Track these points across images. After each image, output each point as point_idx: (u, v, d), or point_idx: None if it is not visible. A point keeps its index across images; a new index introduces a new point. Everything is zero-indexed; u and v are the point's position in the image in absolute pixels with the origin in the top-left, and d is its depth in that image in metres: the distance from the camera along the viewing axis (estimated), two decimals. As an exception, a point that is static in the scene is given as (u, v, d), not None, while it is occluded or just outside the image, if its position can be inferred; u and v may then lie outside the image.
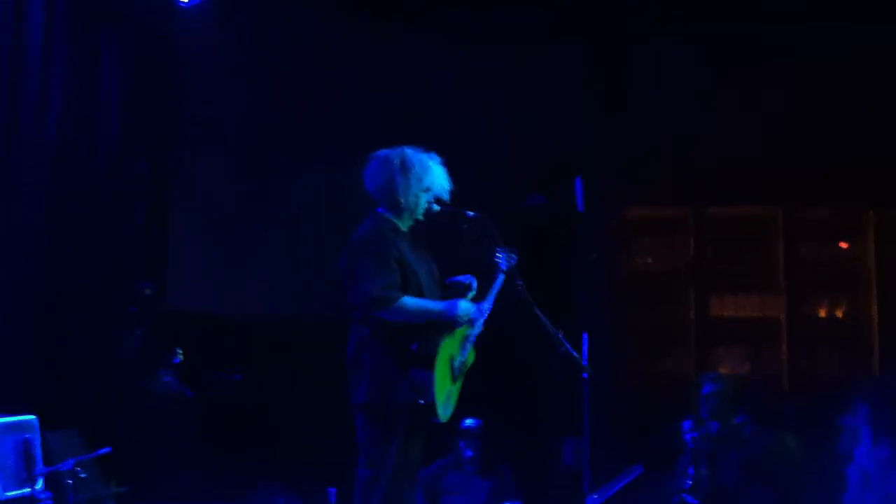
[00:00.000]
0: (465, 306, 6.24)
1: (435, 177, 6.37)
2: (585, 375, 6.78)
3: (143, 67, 9.43)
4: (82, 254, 8.74)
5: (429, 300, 6.23)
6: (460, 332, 6.30)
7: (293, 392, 9.96)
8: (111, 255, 9.07)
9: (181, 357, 9.11)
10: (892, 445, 7.16)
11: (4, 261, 8.00)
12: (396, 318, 6.07)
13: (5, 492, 6.69)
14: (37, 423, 6.99)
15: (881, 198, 10.89)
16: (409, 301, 6.10)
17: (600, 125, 10.82)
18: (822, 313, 11.35)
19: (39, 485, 6.85)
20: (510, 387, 10.09)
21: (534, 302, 6.41)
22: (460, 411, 6.50)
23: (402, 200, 6.32)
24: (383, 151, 6.41)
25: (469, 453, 9.07)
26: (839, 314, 11.31)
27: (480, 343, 6.41)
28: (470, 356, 6.39)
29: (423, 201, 6.35)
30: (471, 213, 6.41)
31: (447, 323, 6.20)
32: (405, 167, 6.31)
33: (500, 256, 6.42)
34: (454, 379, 6.26)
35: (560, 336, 6.52)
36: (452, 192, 6.45)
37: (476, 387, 6.52)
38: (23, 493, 6.77)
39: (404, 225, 6.38)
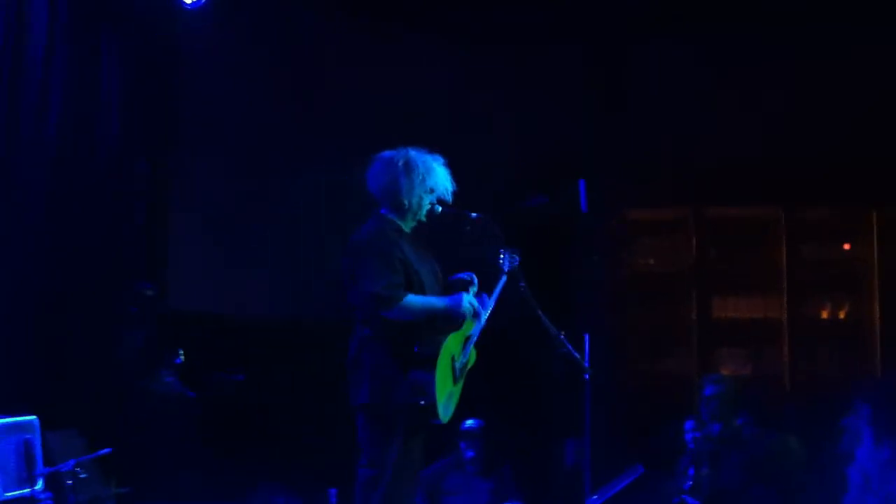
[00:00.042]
0: (469, 300, 6.26)
1: (438, 178, 6.38)
2: (587, 376, 6.79)
3: (143, 67, 9.41)
4: (82, 254, 8.73)
5: (433, 297, 6.23)
6: (462, 332, 6.31)
7: (293, 392, 9.95)
8: (111, 255, 9.06)
9: (182, 357, 9.11)
10: (893, 446, 7.16)
11: (4, 261, 7.99)
12: (401, 317, 6.08)
13: (5, 492, 6.69)
14: (37, 424, 6.99)
15: (883, 198, 10.90)
16: (414, 299, 6.12)
17: (600, 125, 10.83)
18: (824, 314, 11.35)
19: (39, 485, 6.85)
20: (512, 387, 10.10)
21: (536, 303, 6.41)
22: (462, 412, 6.51)
23: (406, 201, 6.33)
24: (387, 153, 6.41)
25: (470, 454, 9.08)
26: (841, 315, 11.31)
27: (482, 344, 6.41)
28: (471, 357, 6.40)
29: (427, 202, 6.36)
30: (473, 215, 6.43)
31: (452, 318, 6.22)
32: (409, 168, 6.32)
33: (502, 257, 6.43)
34: (455, 380, 6.27)
35: (562, 337, 6.53)
36: (453, 193, 6.45)
37: (478, 387, 6.53)
38: (23, 493, 6.78)
39: (407, 226, 6.39)
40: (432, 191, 6.37)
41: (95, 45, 8.96)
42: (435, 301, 6.23)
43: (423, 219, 6.39)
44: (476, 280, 6.42)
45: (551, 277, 8.84)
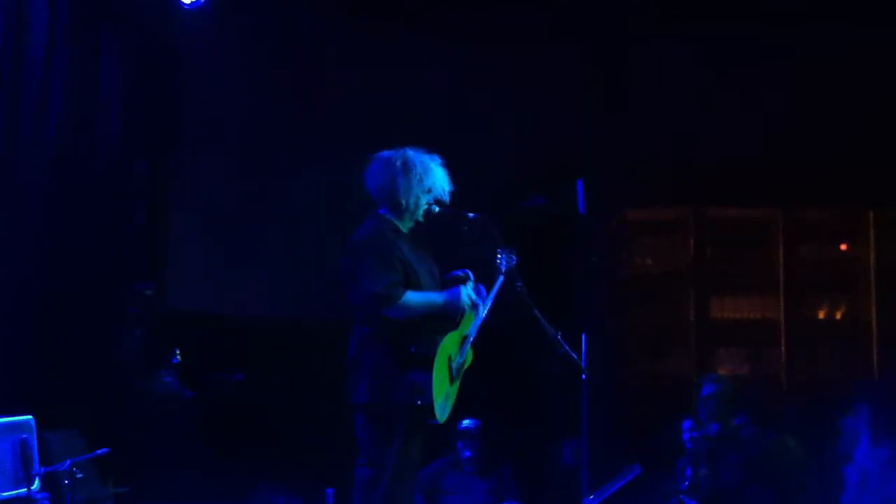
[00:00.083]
0: (467, 293, 6.27)
1: (436, 178, 6.38)
2: (584, 377, 6.80)
3: (143, 67, 9.42)
4: (82, 254, 8.73)
5: (432, 292, 6.24)
6: (458, 332, 6.31)
7: (293, 392, 9.94)
8: (111, 255, 9.06)
9: (179, 357, 9.11)
10: (891, 447, 7.16)
11: (4, 261, 7.99)
12: (402, 315, 6.08)
13: (2, 492, 6.69)
14: (33, 424, 6.98)
15: (881, 198, 10.89)
16: (413, 295, 6.13)
17: (600, 125, 10.82)
18: (822, 314, 11.35)
19: (36, 485, 6.84)
20: (509, 387, 10.09)
21: (533, 303, 6.42)
22: (459, 412, 6.51)
23: (403, 202, 6.33)
24: (385, 153, 6.42)
25: (467, 454, 9.08)
26: (838, 315, 11.31)
27: (479, 344, 6.41)
28: (468, 357, 6.39)
29: (424, 202, 6.36)
30: (471, 215, 6.42)
31: (452, 312, 6.22)
32: (406, 168, 6.32)
33: (499, 257, 6.43)
34: (452, 380, 6.26)
35: (559, 337, 6.53)
36: (452, 193, 6.46)
37: (475, 387, 6.53)
38: (19, 493, 6.77)
39: (405, 226, 6.39)
40: (430, 191, 6.37)
41: (95, 45, 8.96)
42: (434, 296, 6.24)
43: (421, 219, 6.40)
44: (472, 275, 6.42)
45: (550, 277, 8.86)
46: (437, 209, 6.40)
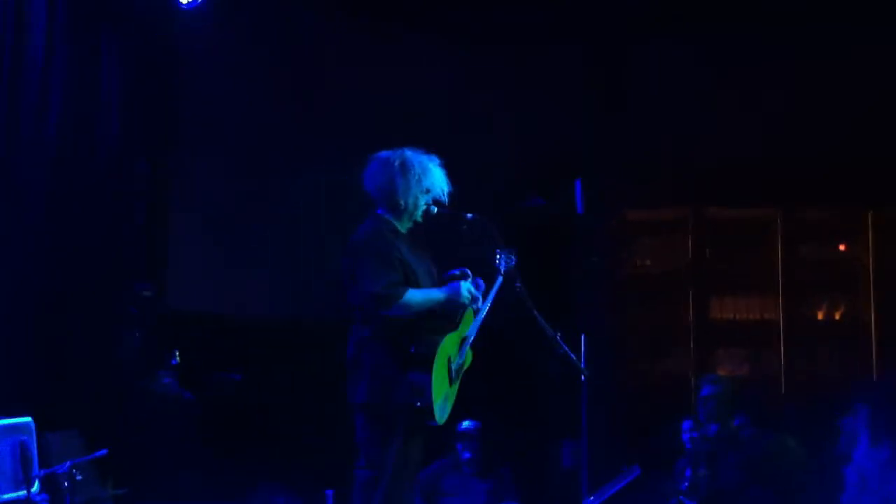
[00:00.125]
0: (467, 287, 6.28)
1: (434, 179, 6.39)
2: (583, 377, 6.79)
3: (143, 67, 9.41)
4: (82, 254, 8.73)
5: (432, 289, 6.25)
6: (458, 333, 6.31)
7: (293, 392, 9.95)
8: (111, 255, 9.06)
9: (178, 358, 9.11)
10: (891, 447, 7.16)
11: (4, 261, 7.99)
12: (403, 314, 6.08)
13: (1, 494, 6.69)
14: (33, 426, 6.98)
15: (881, 198, 10.88)
16: (414, 293, 6.14)
17: (600, 125, 10.81)
18: (821, 315, 11.34)
19: (35, 487, 6.84)
20: (508, 388, 10.09)
21: (533, 303, 6.42)
22: (458, 413, 6.51)
23: (402, 202, 6.34)
24: (383, 153, 6.43)
25: (467, 455, 9.08)
26: (837, 316, 11.30)
27: (479, 345, 6.41)
28: (467, 358, 6.40)
29: (422, 203, 6.36)
30: (469, 215, 6.43)
31: (452, 307, 6.24)
32: (405, 169, 6.33)
33: (498, 258, 6.43)
34: (451, 381, 6.27)
35: (558, 338, 6.53)
36: (452, 193, 6.46)
37: (475, 388, 6.53)
38: (19, 495, 6.77)
39: (403, 226, 6.40)
40: (428, 191, 6.38)
41: (95, 45, 8.96)
42: (435, 292, 6.26)
43: (420, 219, 6.40)
44: (470, 272, 6.42)
45: (550, 278, 8.86)
46: (435, 210, 6.41)
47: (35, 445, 6.92)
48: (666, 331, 11.42)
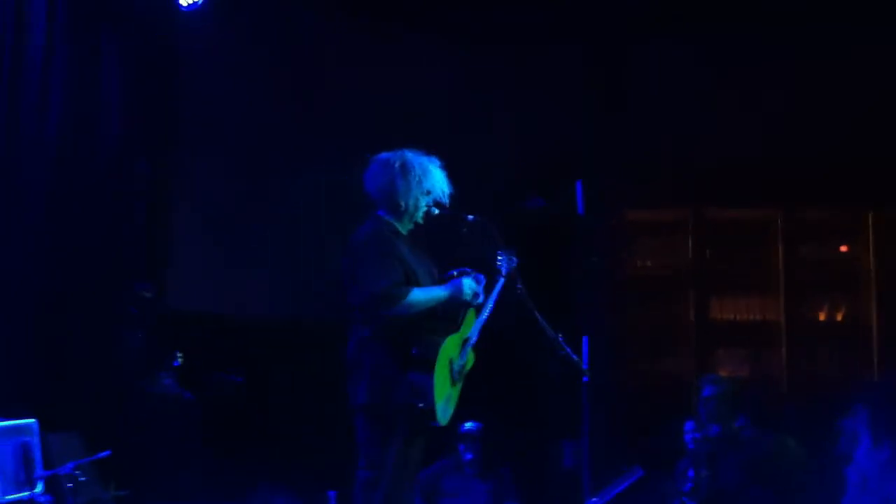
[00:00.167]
0: (468, 283, 6.30)
1: (435, 180, 6.39)
2: (585, 379, 6.79)
3: (143, 67, 9.40)
4: (82, 254, 8.72)
5: (434, 287, 6.26)
6: (460, 334, 6.32)
7: (293, 392, 9.95)
8: (111, 255, 9.05)
9: (180, 360, 9.11)
10: (891, 447, 7.15)
11: (4, 261, 7.99)
12: (406, 313, 6.08)
13: (5, 495, 6.69)
14: (36, 427, 7.00)
15: (881, 198, 10.89)
16: (417, 292, 6.15)
17: (600, 125, 10.82)
18: (822, 316, 11.34)
19: (39, 488, 6.85)
20: (510, 389, 10.09)
21: (534, 305, 6.41)
22: (460, 414, 6.50)
23: (402, 203, 6.34)
24: (384, 154, 6.43)
25: (468, 456, 9.07)
26: (839, 316, 11.30)
27: (480, 345, 6.41)
28: (469, 359, 6.40)
29: (423, 204, 6.36)
30: (470, 217, 6.43)
31: (455, 304, 6.25)
32: (405, 170, 6.33)
33: (500, 259, 6.43)
34: (454, 382, 6.27)
35: (560, 339, 6.53)
36: (452, 193, 6.46)
37: (476, 389, 6.53)
38: (22, 496, 6.78)
39: (404, 228, 6.40)
40: (429, 193, 6.38)
41: (95, 45, 8.94)
42: (438, 290, 6.27)
43: (420, 221, 6.41)
44: (470, 270, 6.42)
45: (550, 278, 8.85)
46: (436, 211, 6.41)
47: (39, 447, 6.93)
48: (667, 331, 11.42)
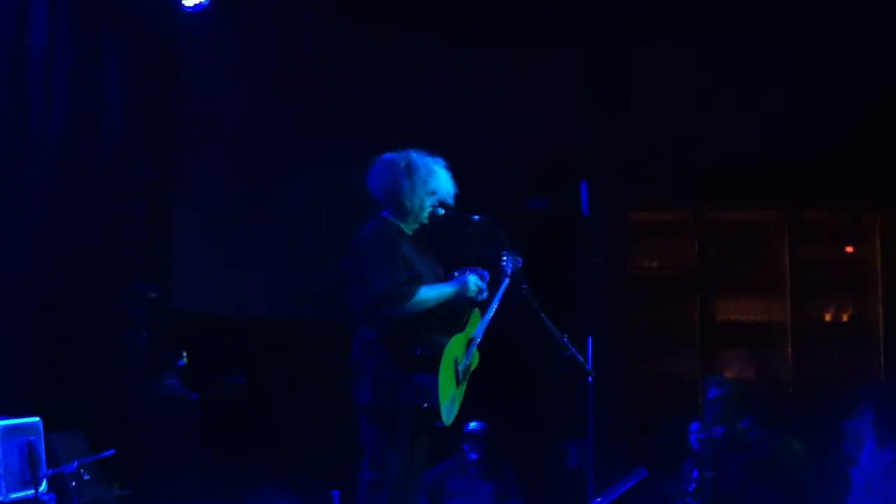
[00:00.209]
0: (473, 279, 6.29)
1: (440, 181, 6.38)
2: (590, 379, 6.79)
3: (143, 67, 9.37)
4: (83, 254, 8.71)
5: (440, 284, 6.25)
6: (464, 334, 6.32)
7: (294, 392, 9.94)
8: (112, 255, 9.03)
9: (185, 360, 9.10)
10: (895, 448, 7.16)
11: (5, 261, 7.98)
12: (414, 312, 6.07)
13: (9, 493, 6.69)
14: (41, 426, 7.01)
15: (885, 198, 10.90)
16: (425, 290, 6.15)
17: (600, 125, 10.83)
18: (828, 316, 11.35)
19: (43, 487, 6.85)
20: (514, 389, 10.09)
21: (538, 305, 6.41)
22: (465, 414, 6.50)
23: (407, 204, 6.33)
24: (388, 154, 6.42)
25: (473, 456, 9.08)
26: (844, 317, 11.31)
27: (484, 345, 6.41)
28: (474, 359, 6.40)
29: (428, 205, 6.35)
30: (475, 217, 6.42)
31: (461, 300, 6.27)
32: (410, 170, 6.32)
33: (505, 260, 6.43)
34: (458, 382, 6.27)
35: (565, 340, 6.52)
36: (454, 195, 6.45)
37: (480, 389, 6.52)
38: (27, 495, 6.78)
39: (408, 228, 6.39)
40: (434, 193, 6.38)
41: (95, 45, 8.93)
42: (444, 286, 6.28)
43: (425, 221, 6.39)
44: (477, 268, 6.43)
45: (552, 278, 8.85)
46: (441, 211, 6.40)
47: (43, 445, 6.94)
48: (672, 332, 11.44)
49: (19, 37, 8.08)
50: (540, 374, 9.70)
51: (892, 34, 10.32)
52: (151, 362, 9.06)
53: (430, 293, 6.15)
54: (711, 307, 11.41)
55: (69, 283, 8.59)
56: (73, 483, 6.87)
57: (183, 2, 9.03)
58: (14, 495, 6.71)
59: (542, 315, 6.43)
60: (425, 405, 6.04)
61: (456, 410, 6.27)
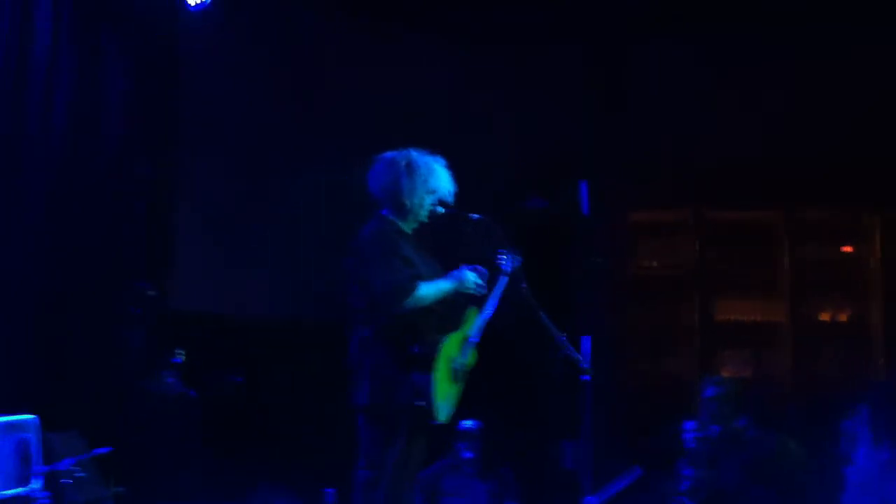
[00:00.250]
0: (470, 273, 6.30)
1: (440, 180, 6.39)
2: (587, 378, 6.79)
3: (143, 67, 9.39)
4: (83, 254, 8.72)
5: (438, 280, 6.25)
6: (460, 333, 6.32)
7: (293, 392, 9.95)
8: (111, 255, 9.04)
9: (183, 358, 9.10)
10: (891, 448, 7.16)
11: (5, 261, 7.98)
12: (415, 308, 6.07)
13: (3, 490, 6.69)
14: (35, 423, 6.99)
15: (885, 199, 10.89)
16: (425, 286, 6.15)
17: (600, 125, 10.82)
18: (826, 316, 11.34)
19: (37, 484, 6.84)
20: (511, 388, 10.09)
21: (537, 304, 6.41)
22: (460, 412, 6.50)
23: (407, 203, 6.33)
24: (388, 153, 6.42)
25: (468, 455, 9.07)
26: (842, 317, 11.31)
27: (483, 344, 6.41)
28: (471, 358, 6.39)
29: (428, 204, 6.35)
30: (475, 216, 6.42)
31: (460, 296, 6.28)
32: (411, 169, 6.33)
33: (503, 259, 6.43)
34: (455, 381, 6.26)
35: (563, 339, 6.52)
36: (454, 194, 6.46)
37: (477, 388, 6.52)
38: (20, 492, 6.78)
39: (408, 227, 6.39)
40: (434, 192, 6.38)
41: (96, 45, 8.94)
42: (443, 282, 6.27)
43: (425, 220, 6.40)
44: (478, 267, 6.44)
45: (552, 278, 8.84)
46: (441, 210, 6.40)
47: (38, 443, 6.93)
48: (670, 332, 11.43)
49: (20, 37, 8.08)
50: (539, 373, 9.70)
51: (892, 34, 10.31)
52: (149, 360, 9.06)
53: (429, 290, 6.15)
54: (711, 307, 11.40)
55: (69, 282, 8.59)
56: (68, 480, 6.87)
57: (188, 0, 9.03)
58: (7, 492, 6.69)
59: (541, 314, 6.42)
60: (421, 403, 6.04)
61: (452, 409, 6.27)
